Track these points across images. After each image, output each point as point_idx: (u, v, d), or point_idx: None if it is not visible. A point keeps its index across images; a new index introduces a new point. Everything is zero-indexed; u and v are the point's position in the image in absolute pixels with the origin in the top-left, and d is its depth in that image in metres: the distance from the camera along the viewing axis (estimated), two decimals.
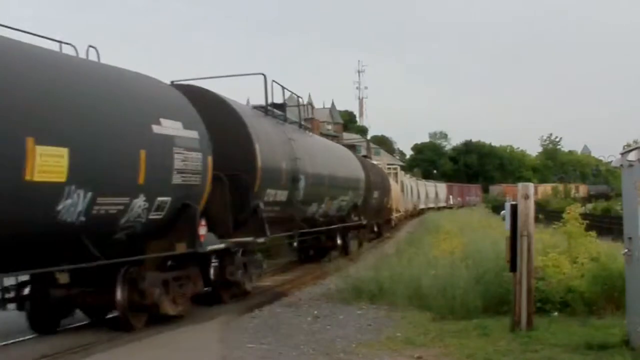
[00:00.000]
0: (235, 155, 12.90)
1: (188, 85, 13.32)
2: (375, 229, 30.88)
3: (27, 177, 7.69)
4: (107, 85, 9.87)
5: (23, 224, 8.00)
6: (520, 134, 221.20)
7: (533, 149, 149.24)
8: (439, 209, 61.82)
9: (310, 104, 25.96)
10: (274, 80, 15.69)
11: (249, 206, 13.27)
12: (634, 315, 8.12)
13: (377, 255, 21.13)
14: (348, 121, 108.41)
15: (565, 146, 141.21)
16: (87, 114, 8.90)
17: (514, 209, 9.81)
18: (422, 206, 55.83)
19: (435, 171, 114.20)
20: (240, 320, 11.37)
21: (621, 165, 8.63)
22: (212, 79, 15.46)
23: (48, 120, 8.16)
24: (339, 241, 21.68)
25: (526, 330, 9.42)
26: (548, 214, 23.06)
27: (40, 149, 7.82)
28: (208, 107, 12.48)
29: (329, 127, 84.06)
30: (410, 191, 48.79)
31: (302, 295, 14.26)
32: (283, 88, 16.53)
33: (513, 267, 9.74)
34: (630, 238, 8.23)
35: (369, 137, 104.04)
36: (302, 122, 18.51)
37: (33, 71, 8.41)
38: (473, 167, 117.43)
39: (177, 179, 10.58)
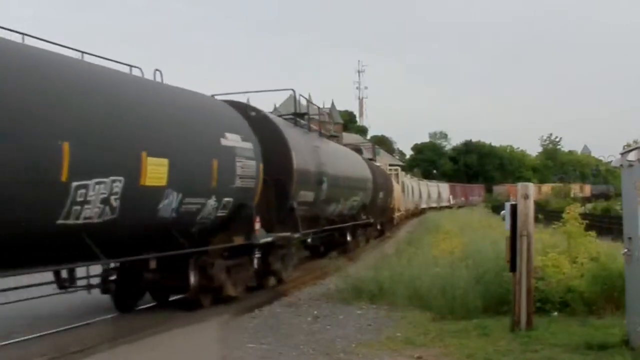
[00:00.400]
0: (276, 162, 14.59)
1: (235, 102, 15.12)
2: (379, 227, 31.89)
3: (142, 183, 9.62)
4: (190, 106, 12.07)
5: (137, 221, 9.91)
6: (520, 134, 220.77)
7: (533, 149, 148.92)
8: (440, 208, 62.13)
9: (328, 113, 28.70)
10: (300, 94, 18.37)
11: (287, 206, 15.27)
12: (633, 315, 8.12)
13: (376, 255, 21.17)
14: (348, 121, 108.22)
15: (565, 146, 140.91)
16: (179, 131, 10.96)
17: (514, 209, 9.81)
18: (423, 206, 56.49)
19: (435, 171, 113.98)
20: (240, 320, 11.39)
21: (621, 165, 8.64)
22: (242, 94, 16.96)
23: (155, 137, 10.18)
24: (349, 238, 23.05)
25: (526, 330, 9.43)
26: (548, 214, 23.06)
27: (150, 160, 9.76)
28: (255, 121, 14.34)
29: (329, 127, 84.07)
30: (411, 191, 49.35)
31: (302, 295, 14.28)
32: (307, 101, 19.05)
33: (513, 267, 9.74)
34: (630, 238, 8.24)
35: (368, 137, 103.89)
36: (322, 131, 21.07)
37: (147, 99, 10.59)
38: (473, 167, 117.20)
39: (238, 183, 12.62)
